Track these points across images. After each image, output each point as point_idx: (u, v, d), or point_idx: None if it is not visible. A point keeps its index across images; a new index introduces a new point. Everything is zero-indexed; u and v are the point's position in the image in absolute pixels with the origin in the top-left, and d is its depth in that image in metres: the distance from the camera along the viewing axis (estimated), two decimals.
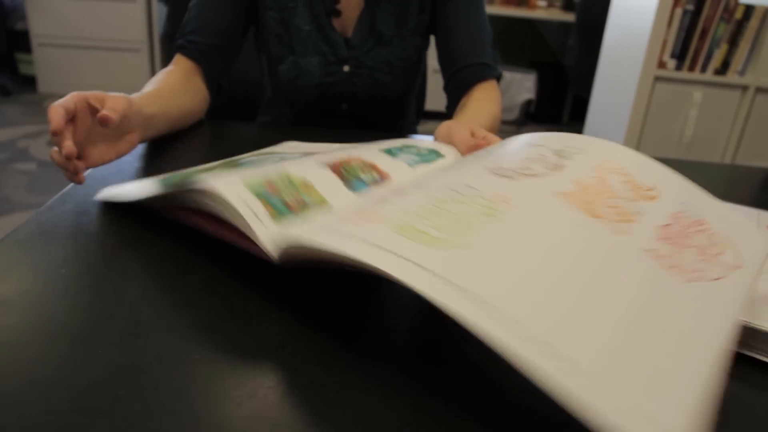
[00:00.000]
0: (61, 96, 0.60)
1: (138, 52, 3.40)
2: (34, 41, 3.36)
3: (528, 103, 3.64)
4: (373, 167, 0.56)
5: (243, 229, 0.45)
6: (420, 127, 1.21)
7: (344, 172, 0.54)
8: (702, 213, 0.53)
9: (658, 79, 2.16)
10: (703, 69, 2.16)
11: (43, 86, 3.42)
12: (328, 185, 0.51)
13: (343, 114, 1.02)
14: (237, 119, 1.07)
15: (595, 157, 0.53)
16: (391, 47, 0.96)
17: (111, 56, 3.40)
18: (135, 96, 0.71)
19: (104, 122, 0.58)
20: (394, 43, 0.96)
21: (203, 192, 0.47)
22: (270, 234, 0.44)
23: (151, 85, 0.80)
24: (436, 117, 0.93)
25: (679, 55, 2.14)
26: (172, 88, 0.83)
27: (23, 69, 3.55)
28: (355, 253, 0.36)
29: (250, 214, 0.45)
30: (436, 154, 0.64)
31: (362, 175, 0.54)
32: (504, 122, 3.67)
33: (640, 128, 2.23)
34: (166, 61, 0.92)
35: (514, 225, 0.41)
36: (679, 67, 2.15)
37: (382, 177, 0.55)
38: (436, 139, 0.73)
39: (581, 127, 2.81)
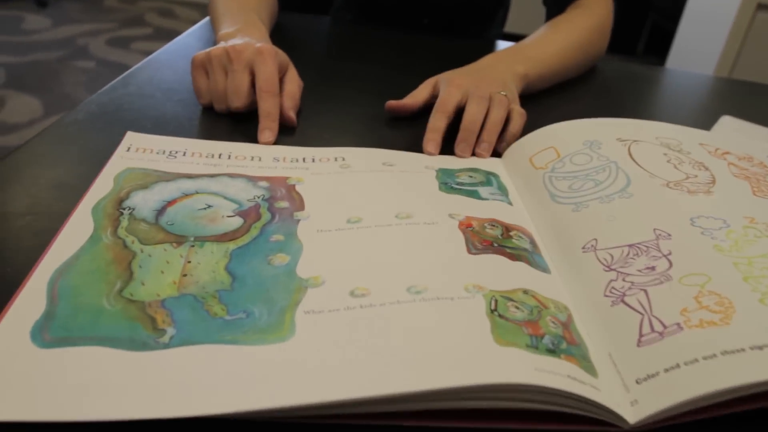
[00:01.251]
0: None
1: None
2: None
3: None
4: (494, 222, 0.41)
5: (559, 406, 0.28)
6: None
7: (498, 243, 0.38)
8: None
9: (761, 7, 1.94)
10: None
11: None
12: (526, 277, 0.35)
13: (424, 28, 0.91)
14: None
15: (696, 144, 0.49)
16: None
17: None
18: (262, 24, 0.63)
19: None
20: None
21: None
22: (610, 395, 0.29)
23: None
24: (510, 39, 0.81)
25: None
26: None
27: None
28: None
29: (572, 383, 0.28)
30: (493, 176, 0.48)
31: (516, 241, 0.39)
32: None
33: (731, 63, 2.04)
34: None
35: None
36: None
37: (508, 230, 0.40)
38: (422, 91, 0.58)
39: (659, 61, 2.61)
